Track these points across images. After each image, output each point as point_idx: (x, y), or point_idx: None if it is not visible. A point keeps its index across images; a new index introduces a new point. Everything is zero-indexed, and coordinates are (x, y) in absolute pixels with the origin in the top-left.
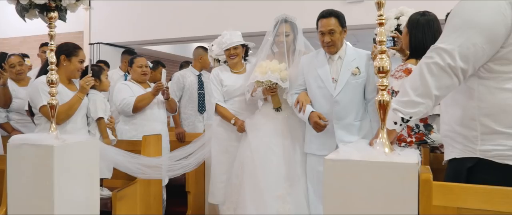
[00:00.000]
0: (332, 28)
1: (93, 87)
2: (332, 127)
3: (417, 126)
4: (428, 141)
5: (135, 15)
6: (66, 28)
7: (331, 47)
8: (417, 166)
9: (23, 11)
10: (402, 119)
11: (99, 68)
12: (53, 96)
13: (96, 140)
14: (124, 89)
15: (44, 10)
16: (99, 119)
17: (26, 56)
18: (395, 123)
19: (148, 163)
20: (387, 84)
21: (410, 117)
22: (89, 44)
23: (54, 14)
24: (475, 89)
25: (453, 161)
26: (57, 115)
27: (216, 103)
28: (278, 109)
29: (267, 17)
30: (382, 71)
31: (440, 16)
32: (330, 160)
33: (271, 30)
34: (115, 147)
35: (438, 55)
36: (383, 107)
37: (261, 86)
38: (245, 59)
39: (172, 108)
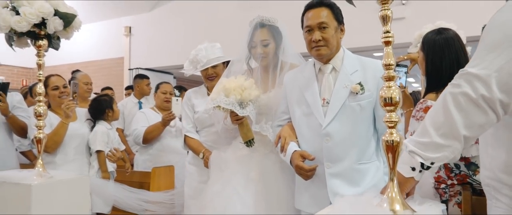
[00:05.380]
0: (323, 21)
1: (104, 118)
2: (324, 173)
3: (457, 166)
4: (474, 184)
5: (173, 40)
6: (108, 54)
7: (322, 49)
8: None
9: (10, 39)
10: (422, 164)
11: (109, 98)
12: (40, 129)
13: (85, 177)
14: (140, 118)
15: (32, 38)
16: (98, 152)
17: None
18: (413, 169)
19: (152, 198)
20: (396, 120)
21: (432, 163)
22: (129, 69)
23: (43, 42)
24: None
25: None
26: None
27: (185, 135)
28: (248, 143)
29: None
30: (389, 103)
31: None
32: None
33: (246, 39)
34: (120, 180)
35: (468, 83)
36: (392, 149)
37: (226, 112)
38: None
39: None
